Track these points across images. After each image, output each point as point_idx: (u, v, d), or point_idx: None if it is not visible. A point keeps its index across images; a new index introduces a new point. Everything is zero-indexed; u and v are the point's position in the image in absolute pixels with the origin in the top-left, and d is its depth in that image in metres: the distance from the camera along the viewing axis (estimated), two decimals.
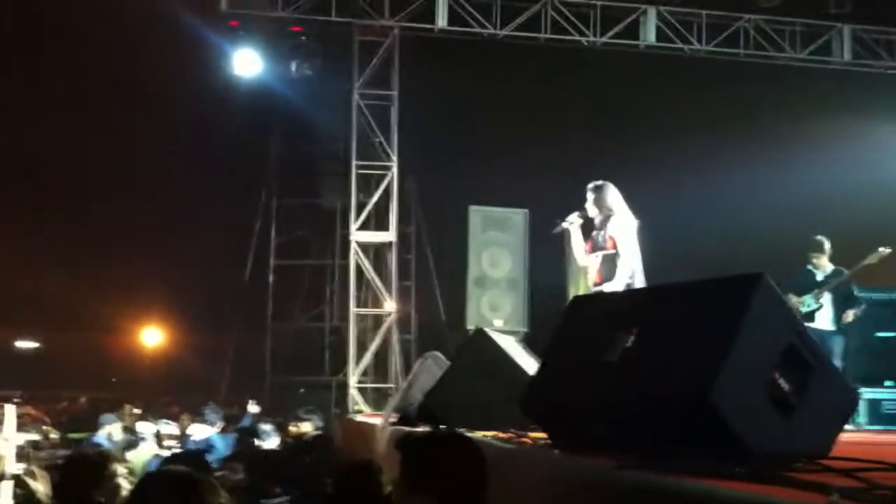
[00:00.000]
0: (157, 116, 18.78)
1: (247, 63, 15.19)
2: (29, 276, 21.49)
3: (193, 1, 14.55)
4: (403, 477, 3.17)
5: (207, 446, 11.51)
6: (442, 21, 14.49)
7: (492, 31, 14.66)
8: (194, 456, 9.19)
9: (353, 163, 15.10)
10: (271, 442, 12.23)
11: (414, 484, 3.11)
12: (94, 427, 12.02)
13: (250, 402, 14.62)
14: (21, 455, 9.83)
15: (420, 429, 6.53)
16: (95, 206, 21.44)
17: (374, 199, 15.03)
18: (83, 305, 21.39)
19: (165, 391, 19.95)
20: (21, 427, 11.06)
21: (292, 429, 12.81)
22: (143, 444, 11.59)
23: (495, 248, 14.03)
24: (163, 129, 19.05)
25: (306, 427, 12.54)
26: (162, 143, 19.50)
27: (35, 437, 11.51)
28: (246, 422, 13.63)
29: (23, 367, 23.36)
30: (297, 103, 16.34)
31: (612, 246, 8.31)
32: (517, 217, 14.16)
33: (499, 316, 13.55)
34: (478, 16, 14.63)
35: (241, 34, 14.84)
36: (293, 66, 15.76)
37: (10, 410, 9.16)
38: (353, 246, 14.91)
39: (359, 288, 15.21)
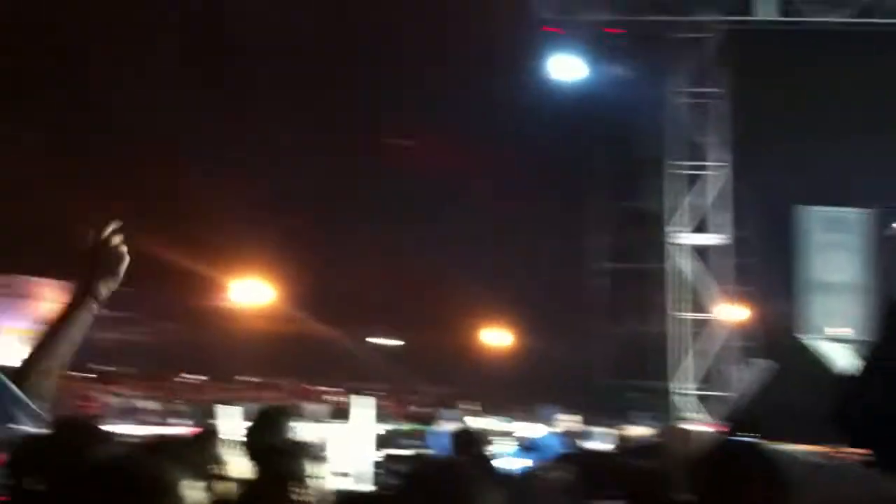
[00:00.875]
0: (484, 124, 19.64)
1: (566, 68, 15.49)
2: (392, 283, 23.84)
3: (509, 9, 15.04)
4: (702, 489, 3.14)
5: (541, 444, 11.95)
6: (765, 12, 13.76)
7: (822, 19, 13.64)
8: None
9: (670, 163, 14.82)
10: (600, 444, 12.41)
11: (712, 498, 3.08)
12: (436, 421, 13.02)
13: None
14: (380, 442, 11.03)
15: (737, 437, 6.37)
16: (442, 214, 23.15)
17: (697, 200, 14.65)
18: (437, 308, 23.19)
19: (508, 390, 20.86)
20: (380, 418, 12.38)
21: (623, 432, 12.88)
22: None
23: (832, 250, 13.04)
24: (493, 137, 19.90)
25: (638, 431, 12.56)
26: (491, 149, 20.37)
27: (386, 426, 12.81)
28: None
29: (384, 363, 25.74)
30: (617, 106, 16.34)
31: None
32: (859, 217, 13.04)
33: (835, 323, 12.55)
34: (804, 5, 13.69)
35: (558, 39, 15.12)
36: (612, 69, 15.82)
37: (370, 402, 10.31)
38: (676, 249, 14.65)
39: (682, 292, 14.91)
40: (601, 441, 12.57)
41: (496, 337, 25.35)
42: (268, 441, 2.87)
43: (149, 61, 23.74)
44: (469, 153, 20.56)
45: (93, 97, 24.21)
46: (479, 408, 15.07)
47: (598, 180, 19.11)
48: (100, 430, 3.05)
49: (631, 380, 18.53)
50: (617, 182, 18.65)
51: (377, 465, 10.78)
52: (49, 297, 26.88)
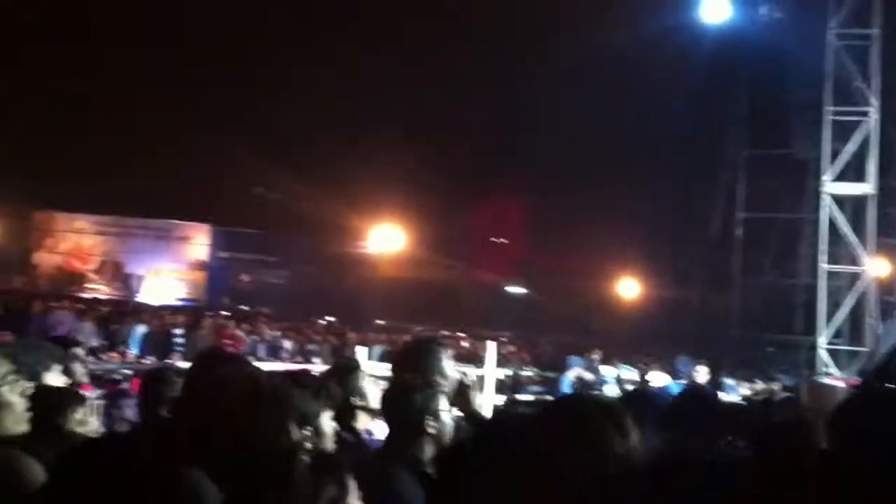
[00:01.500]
0: (619, 68, 19.24)
1: (714, 9, 14.91)
2: (519, 234, 23.98)
3: None
4: (841, 440, 3.02)
5: (664, 393, 11.84)
6: None
7: None
8: None
9: (828, 109, 14.06)
10: (733, 397, 12.17)
11: (852, 450, 2.96)
12: (564, 368, 13.08)
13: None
14: (500, 387, 11.16)
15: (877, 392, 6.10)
16: (576, 161, 22.95)
17: (852, 147, 13.86)
18: (567, 258, 23.14)
19: (635, 339, 20.66)
20: (501, 363, 12.51)
21: (758, 387, 12.59)
22: (605, 386, 12.32)
23: None
24: (624, 81, 19.48)
25: (774, 386, 12.26)
26: (622, 94, 19.94)
27: (509, 372, 12.93)
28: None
29: (512, 310, 25.96)
30: (766, 48, 15.66)
31: None
32: None
33: None
34: None
35: None
36: (763, 9, 15.12)
37: (492, 347, 10.43)
38: (826, 198, 13.97)
39: (832, 244, 14.23)
40: (733, 394, 12.32)
41: (627, 286, 25.05)
42: (416, 374, 2.93)
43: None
44: (608, 97, 20.18)
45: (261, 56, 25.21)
46: (607, 356, 14.99)
47: (741, 126, 18.41)
48: (242, 360, 3.21)
49: (770, 333, 17.95)
50: (761, 128, 17.90)
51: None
52: (199, 241, 28.51)
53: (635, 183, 21.41)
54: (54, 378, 3.04)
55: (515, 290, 28.30)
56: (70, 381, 3.25)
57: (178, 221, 28.04)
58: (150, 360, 12.89)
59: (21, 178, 24.97)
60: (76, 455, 1.60)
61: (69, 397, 2.32)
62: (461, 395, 3.09)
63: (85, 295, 23.94)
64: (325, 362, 13.53)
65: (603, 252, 23.30)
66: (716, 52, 16.72)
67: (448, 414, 2.80)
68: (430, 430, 2.72)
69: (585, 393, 3.99)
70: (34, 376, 3.00)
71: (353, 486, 1.66)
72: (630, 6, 17.11)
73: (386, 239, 25.87)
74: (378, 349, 15.36)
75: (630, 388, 11.92)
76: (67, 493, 1.48)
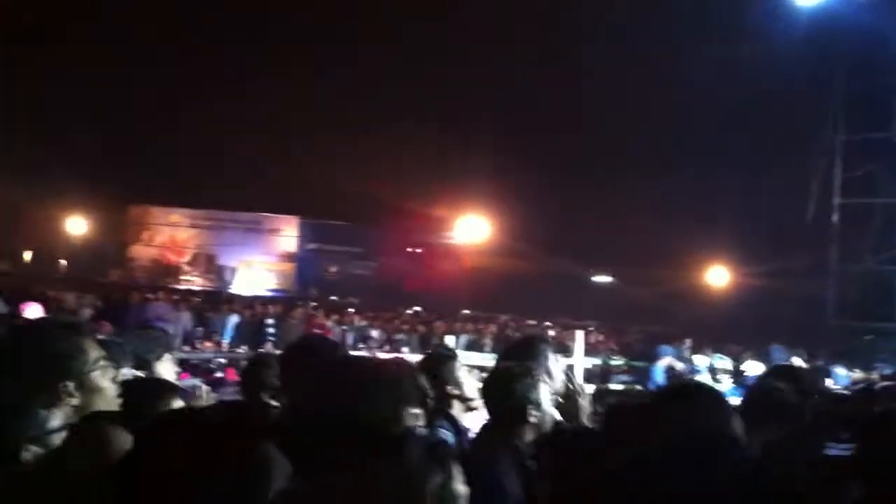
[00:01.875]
0: (712, 52, 18.79)
1: None
2: (605, 222, 23.66)
3: None
4: None
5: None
6: None
7: None
8: None
9: None
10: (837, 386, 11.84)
11: None
12: (655, 357, 12.91)
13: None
14: (589, 377, 11.09)
15: None
16: (663, 148, 22.55)
17: None
18: (652, 245, 22.73)
19: (727, 328, 20.21)
20: (589, 352, 12.43)
21: (857, 376, 12.23)
22: (697, 375, 12.11)
23: None
24: (717, 65, 19.01)
25: (874, 375, 11.88)
26: (714, 79, 19.47)
27: (597, 361, 12.84)
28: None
29: (598, 299, 25.70)
30: (864, 30, 15.12)
31: None
32: None
33: None
34: None
35: None
36: None
37: (580, 336, 10.39)
38: None
39: None
40: (843, 383, 11.94)
41: (717, 274, 24.53)
42: (520, 368, 2.93)
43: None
44: (700, 82, 19.75)
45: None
46: (698, 345, 14.74)
47: (838, 111, 17.81)
48: (334, 346, 3.26)
49: (868, 321, 17.34)
50: (858, 112, 17.28)
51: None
52: (288, 233, 29.14)
53: (727, 169, 20.90)
54: (165, 367, 3.15)
55: (601, 278, 28.01)
56: (178, 370, 3.36)
57: (268, 214, 28.69)
58: (242, 350, 13.24)
59: (117, 172, 25.93)
60: (157, 424, 1.68)
61: (165, 388, 2.40)
62: (571, 404, 3.08)
63: (180, 286, 24.69)
64: (413, 351, 13.67)
65: (691, 239, 22.83)
66: (811, 36, 16.20)
67: (550, 404, 2.80)
68: (532, 419, 2.72)
69: (702, 383, 3.87)
70: (145, 365, 3.12)
71: (457, 471, 1.68)
72: None
73: (472, 229, 25.93)
74: (465, 338, 15.46)
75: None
76: (144, 460, 1.56)
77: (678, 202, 22.17)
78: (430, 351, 4.49)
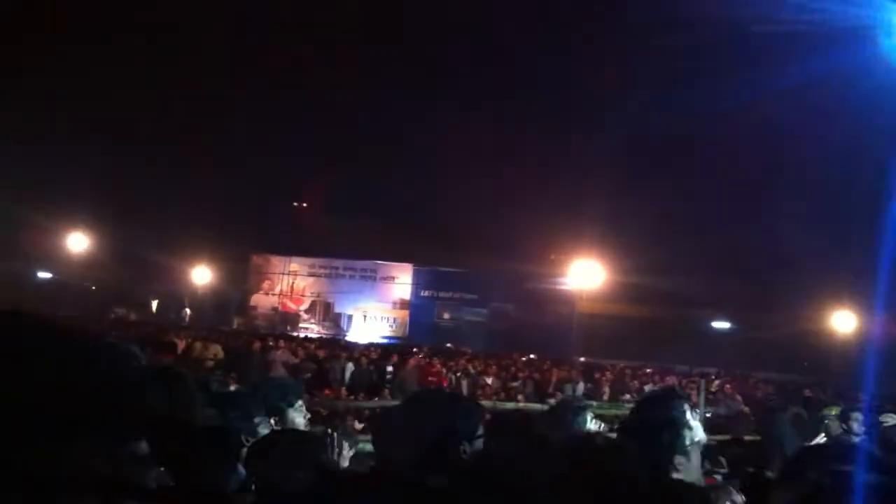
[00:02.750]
0: (827, 98, 18.28)
1: None
2: (730, 269, 23.13)
3: None
4: None
5: None
6: None
7: None
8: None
9: None
10: None
11: None
12: (778, 407, 12.40)
13: None
14: (707, 427, 10.77)
15: None
16: (779, 189, 21.94)
17: None
18: (774, 291, 22.04)
19: (855, 376, 19.28)
20: (711, 400, 12.09)
21: None
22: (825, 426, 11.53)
23: None
24: (832, 110, 18.45)
25: None
26: (829, 122, 18.88)
27: (722, 412, 12.42)
28: None
29: (718, 345, 24.96)
30: None
31: None
32: None
33: None
34: None
35: None
36: None
37: (702, 385, 10.16)
38: None
39: None
40: None
41: (843, 319, 23.54)
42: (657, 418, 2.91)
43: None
44: (813, 126, 19.23)
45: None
46: (824, 393, 14.10)
47: None
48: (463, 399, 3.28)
49: None
50: None
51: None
52: (402, 280, 29.56)
53: (848, 210, 20.15)
54: (297, 414, 3.24)
55: (720, 324, 27.28)
56: (308, 416, 3.45)
57: (382, 262, 29.22)
58: (360, 397, 13.41)
59: (240, 224, 27.04)
60: None
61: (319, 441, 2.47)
62: None
63: (298, 334, 25.32)
64: (528, 399, 13.56)
65: (813, 285, 22.03)
66: None
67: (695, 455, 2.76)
68: (679, 469, 2.69)
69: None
70: (277, 412, 3.21)
71: None
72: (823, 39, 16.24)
73: (586, 274, 25.73)
74: (581, 386, 15.24)
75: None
76: None
77: (798, 247, 21.47)
78: (552, 400, 4.47)
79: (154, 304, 34.38)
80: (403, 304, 28.85)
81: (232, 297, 31.77)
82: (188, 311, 31.98)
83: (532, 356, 20.97)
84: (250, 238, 28.76)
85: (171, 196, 27.68)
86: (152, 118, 26.30)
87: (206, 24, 24.92)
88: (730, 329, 26.93)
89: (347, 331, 28.09)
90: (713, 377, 17.61)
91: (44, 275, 35.53)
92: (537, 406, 12.19)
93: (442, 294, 28.74)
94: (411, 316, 28.57)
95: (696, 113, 22.03)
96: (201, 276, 32.14)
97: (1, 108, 25.29)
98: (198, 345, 15.67)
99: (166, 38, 25.84)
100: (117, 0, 26.01)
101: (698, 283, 23.68)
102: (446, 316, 28.86)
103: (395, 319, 28.70)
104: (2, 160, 25.70)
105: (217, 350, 15.44)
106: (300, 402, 3.32)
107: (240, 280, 31.23)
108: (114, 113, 27.18)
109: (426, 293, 28.88)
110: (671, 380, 16.49)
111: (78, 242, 30.15)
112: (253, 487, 2.11)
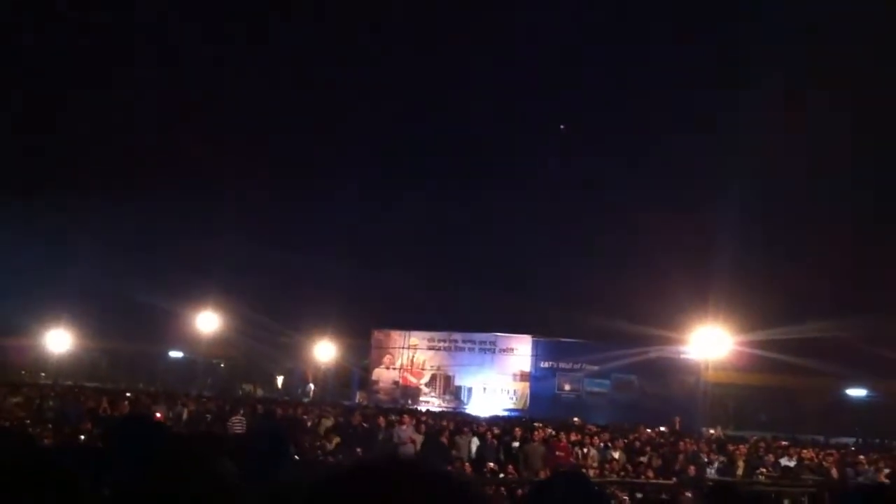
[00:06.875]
0: None
1: None
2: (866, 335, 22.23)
3: None
4: None
5: None
6: None
7: None
8: None
9: None
10: None
11: None
12: None
13: None
14: None
15: None
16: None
17: None
18: None
19: None
20: (851, 474, 11.51)
21: None
22: None
23: None
24: None
25: None
26: None
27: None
28: None
29: (854, 414, 23.83)
30: None
31: None
32: None
33: None
34: None
35: None
36: None
37: (839, 457, 9.71)
38: None
39: None
40: None
41: None
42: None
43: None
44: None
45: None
46: None
47: None
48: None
49: None
50: None
51: None
52: (522, 352, 29.47)
53: None
54: None
55: (856, 391, 26.04)
56: None
57: (501, 334, 29.24)
58: (486, 472, 13.36)
59: (362, 301, 27.76)
60: None
61: None
62: None
63: (419, 408, 25.53)
64: (657, 476, 13.22)
65: None
66: None
67: None
68: None
69: None
70: None
71: None
72: None
73: (710, 342, 25.07)
74: (716, 462, 14.68)
75: None
76: None
77: None
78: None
79: (279, 379, 35.36)
80: (523, 376, 28.70)
81: (354, 372, 32.38)
82: (312, 386, 32.71)
83: (661, 428, 20.41)
84: (372, 314, 29.47)
85: (295, 276, 28.76)
86: (280, 207, 27.62)
87: (340, 113, 26.22)
88: (867, 396, 25.69)
89: (468, 403, 28.12)
90: (852, 447, 16.79)
91: (175, 354, 37.22)
92: (665, 483, 11.88)
93: (562, 365, 28.45)
94: (531, 388, 28.38)
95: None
96: (324, 351, 32.91)
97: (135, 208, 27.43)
98: (328, 421, 16.14)
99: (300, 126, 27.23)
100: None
101: (834, 349, 22.74)
102: (567, 387, 28.49)
103: (515, 391, 28.56)
104: (135, 252, 27.60)
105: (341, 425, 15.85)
106: None
107: (362, 355, 31.82)
108: (241, 204, 28.75)
109: (546, 364, 28.68)
110: (807, 452, 15.74)
111: (207, 322, 31.42)
112: None
